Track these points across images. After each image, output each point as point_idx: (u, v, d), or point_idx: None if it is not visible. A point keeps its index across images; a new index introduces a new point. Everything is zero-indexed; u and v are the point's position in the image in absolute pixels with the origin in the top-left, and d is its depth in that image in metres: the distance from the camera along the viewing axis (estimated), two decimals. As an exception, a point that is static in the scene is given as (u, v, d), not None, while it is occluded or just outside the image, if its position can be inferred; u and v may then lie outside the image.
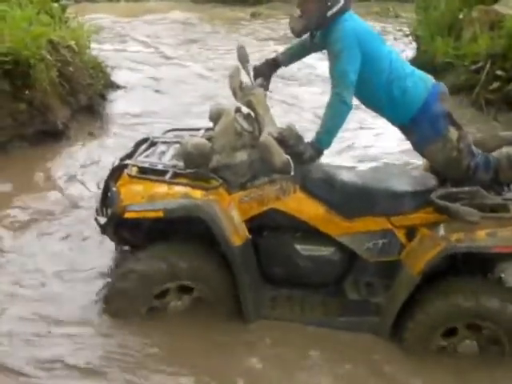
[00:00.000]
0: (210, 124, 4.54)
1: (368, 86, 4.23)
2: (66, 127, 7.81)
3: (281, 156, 3.90)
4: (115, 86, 9.71)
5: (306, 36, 4.40)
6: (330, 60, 4.20)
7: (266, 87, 4.51)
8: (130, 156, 4.54)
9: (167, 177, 4.16)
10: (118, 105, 9.12)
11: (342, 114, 4.08)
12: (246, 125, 4.20)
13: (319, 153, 4.14)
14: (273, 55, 4.70)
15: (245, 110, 4.31)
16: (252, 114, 4.30)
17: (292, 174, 4.00)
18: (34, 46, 7.36)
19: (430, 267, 4.03)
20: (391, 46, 4.43)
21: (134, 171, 4.25)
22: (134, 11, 16.77)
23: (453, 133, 4.28)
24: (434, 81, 4.41)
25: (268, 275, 4.43)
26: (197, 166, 4.15)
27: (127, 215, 4.07)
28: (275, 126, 4.25)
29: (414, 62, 11.48)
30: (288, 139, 3.95)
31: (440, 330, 4.11)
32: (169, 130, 5.08)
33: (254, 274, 4.30)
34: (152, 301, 4.21)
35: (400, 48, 12.64)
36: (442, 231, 4.10)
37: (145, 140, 4.80)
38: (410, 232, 4.33)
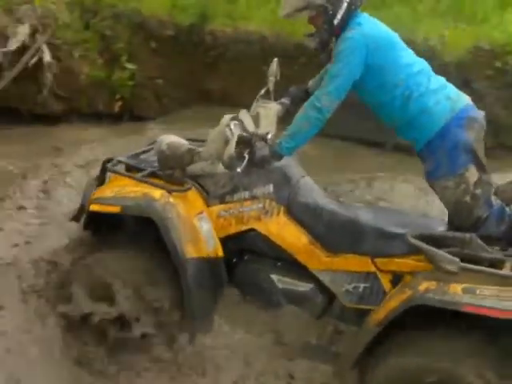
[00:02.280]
0: None
1: (381, 102, 3.72)
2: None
3: (230, 150, 3.50)
4: None
5: None
6: None
7: (284, 107, 4.06)
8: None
9: (140, 175, 3.94)
10: None
11: (311, 120, 3.58)
12: (237, 133, 3.79)
13: (274, 156, 3.66)
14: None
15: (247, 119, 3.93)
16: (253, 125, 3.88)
17: (238, 171, 3.56)
18: None
19: (391, 318, 3.37)
20: (416, 57, 3.79)
21: (120, 168, 4.12)
22: None
23: (472, 174, 3.53)
24: (469, 102, 3.69)
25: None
26: (170, 167, 3.86)
27: (91, 207, 3.89)
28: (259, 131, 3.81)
29: None
30: (247, 136, 3.63)
31: None
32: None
33: (209, 297, 3.88)
34: None
35: None
36: (415, 279, 3.46)
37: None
38: (396, 279, 3.68)
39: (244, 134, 3.65)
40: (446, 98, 3.64)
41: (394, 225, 3.72)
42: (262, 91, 4.08)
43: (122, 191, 3.91)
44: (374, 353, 3.48)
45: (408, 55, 3.76)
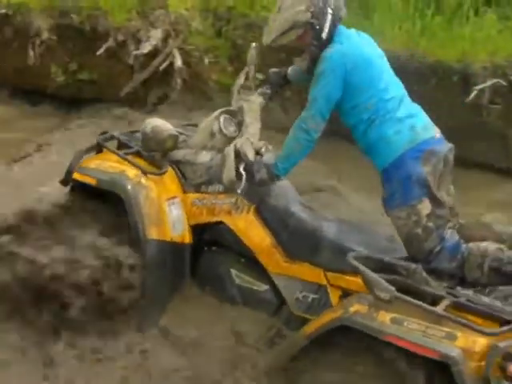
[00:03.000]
0: None
1: (350, 124, 3.67)
2: None
3: (230, 172, 3.61)
4: None
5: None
6: None
7: (266, 97, 4.08)
8: None
9: (123, 152, 4.09)
10: None
11: (301, 141, 3.61)
12: (228, 128, 3.96)
13: (272, 178, 3.73)
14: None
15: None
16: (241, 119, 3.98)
17: (238, 192, 3.67)
18: None
19: (319, 334, 3.36)
20: (395, 80, 3.75)
21: (110, 144, 4.24)
22: None
23: (425, 206, 3.46)
24: (434, 135, 3.60)
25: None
26: (152, 149, 4.03)
27: (74, 175, 4.10)
28: (255, 138, 3.85)
29: None
30: (244, 155, 3.65)
31: None
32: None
33: (167, 281, 3.97)
34: None
35: None
36: (350, 299, 3.45)
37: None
38: (345, 296, 3.63)
39: (237, 147, 3.68)
40: (410, 128, 3.55)
41: (353, 242, 3.67)
42: (242, 80, 4.10)
43: (103, 165, 4.08)
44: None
45: (386, 78, 3.69)
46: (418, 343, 3.06)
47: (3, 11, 8.23)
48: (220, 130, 3.94)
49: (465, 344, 3.01)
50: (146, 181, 3.96)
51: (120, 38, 7.70)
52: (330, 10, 3.61)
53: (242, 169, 3.62)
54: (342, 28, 3.71)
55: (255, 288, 3.97)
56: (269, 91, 4.13)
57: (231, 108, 4.06)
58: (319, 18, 3.59)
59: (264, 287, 3.94)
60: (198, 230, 4.08)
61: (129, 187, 3.90)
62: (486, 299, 3.28)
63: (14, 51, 8.33)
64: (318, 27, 3.61)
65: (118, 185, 3.93)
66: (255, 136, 3.85)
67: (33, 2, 8.25)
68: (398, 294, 3.14)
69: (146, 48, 7.63)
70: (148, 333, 3.90)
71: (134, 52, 7.65)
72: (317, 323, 3.42)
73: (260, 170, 3.67)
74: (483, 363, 2.99)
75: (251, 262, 3.96)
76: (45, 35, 8.04)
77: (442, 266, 3.48)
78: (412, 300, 3.14)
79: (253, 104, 3.98)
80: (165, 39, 7.68)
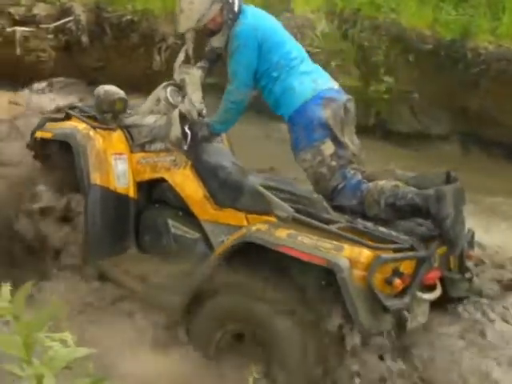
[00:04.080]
0: None
1: (261, 87, 4.06)
2: None
3: (177, 131, 4.04)
4: None
5: None
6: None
7: (204, 70, 4.41)
8: None
9: (81, 114, 4.53)
10: None
11: (230, 110, 4.05)
12: (174, 98, 4.37)
13: (212, 135, 4.18)
14: None
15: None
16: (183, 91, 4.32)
17: (185, 148, 4.05)
18: None
19: (228, 252, 3.67)
20: (295, 43, 4.14)
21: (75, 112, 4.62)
22: None
23: (328, 147, 3.81)
24: (333, 87, 3.99)
25: (139, 241, 4.40)
26: (103, 111, 4.40)
27: (37, 134, 4.55)
28: (197, 104, 4.24)
29: None
30: (189, 114, 4.08)
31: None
32: None
33: (109, 227, 4.28)
34: None
35: None
36: (255, 223, 3.74)
37: None
38: None
39: (182, 110, 4.12)
40: (312, 80, 3.95)
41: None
42: (182, 56, 4.41)
43: (62, 124, 4.54)
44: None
45: (289, 43, 4.11)
46: (307, 252, 3.32)
47: (129, 17, 8.43)
48: (166, 97, 4.39)
49: (351, 254, 3.27)
50: (95, 134, 4.36)
51: (246, 42, 7.63)
52: None
53: (186, 128, 4.05)
54: (243, 5, 4.11)
55: (188, 236, 4.26)
56: (206, 65, 4.48)
57: (176, 82, 4.46)
58: None
59: (196, 235, 4.23)
60: (146, 189, 4.44)
61: (77, 137, 4.31)
62: (383, 229, 3.55)
63: (140, 56, 8.73)
64: (230, 0, 4.03)
65: (69, 136, 4.35)
66: (197, 103, 4.24)
67: (157, 8, 8.42)
68: (296, 215, 3.49)
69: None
70: (86, 272, 4.23)
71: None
72: (225, 244, 3.75)
73: (202, 128, 4.11)
74: (367, 273, 3.23)
75: (187, 215, 4.25)
76: (170, 40, 8.12)
77: (344, 202, 3.75)
78: (307, 219, 3.47)
79: (193, 77, 4.34)
80: (291, 42, 7.55)
